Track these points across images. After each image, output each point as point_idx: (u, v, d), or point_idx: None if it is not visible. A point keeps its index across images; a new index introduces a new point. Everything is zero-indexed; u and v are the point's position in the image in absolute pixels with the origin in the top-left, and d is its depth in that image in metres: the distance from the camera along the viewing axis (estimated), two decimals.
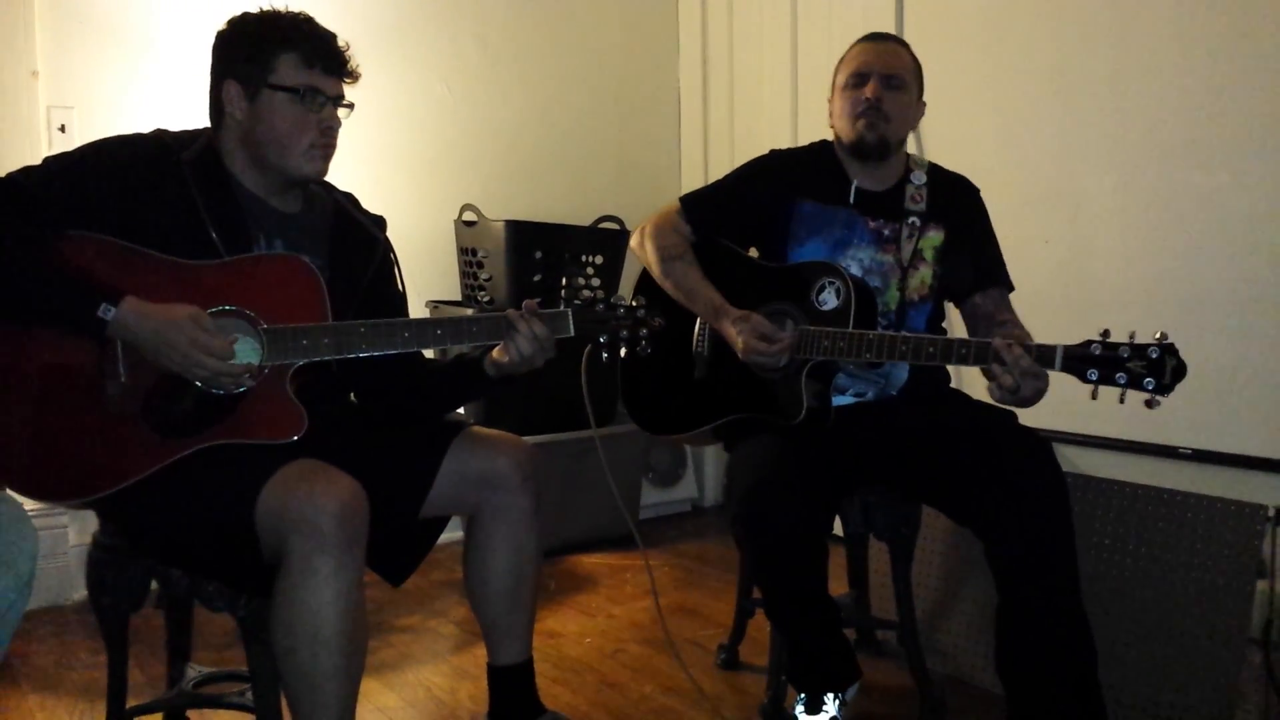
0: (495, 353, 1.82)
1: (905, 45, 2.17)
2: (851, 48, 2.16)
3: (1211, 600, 2.11)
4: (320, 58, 1.73)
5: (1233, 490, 2.27)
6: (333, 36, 1.77)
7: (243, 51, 1.73)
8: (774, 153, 2.26)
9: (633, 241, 2.27)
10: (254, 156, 1.76)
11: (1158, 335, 1.65)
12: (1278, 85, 2.39)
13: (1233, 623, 2.08)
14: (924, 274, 2.12)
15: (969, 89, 3.02)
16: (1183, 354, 1.64)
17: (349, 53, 1.78)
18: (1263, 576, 2.12)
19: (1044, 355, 1.72)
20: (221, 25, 1.77)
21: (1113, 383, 1.66)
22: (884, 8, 3.24)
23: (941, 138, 3.07)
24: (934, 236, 2.13)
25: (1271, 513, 2.10)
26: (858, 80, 2.09)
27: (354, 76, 1.80)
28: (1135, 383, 1.65)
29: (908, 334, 1.93)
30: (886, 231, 2.12)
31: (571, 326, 1.82)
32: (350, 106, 1.81)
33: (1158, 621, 2.17)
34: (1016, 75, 2.93)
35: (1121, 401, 1.67)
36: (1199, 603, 2.12)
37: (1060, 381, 1.74)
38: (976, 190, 2.22)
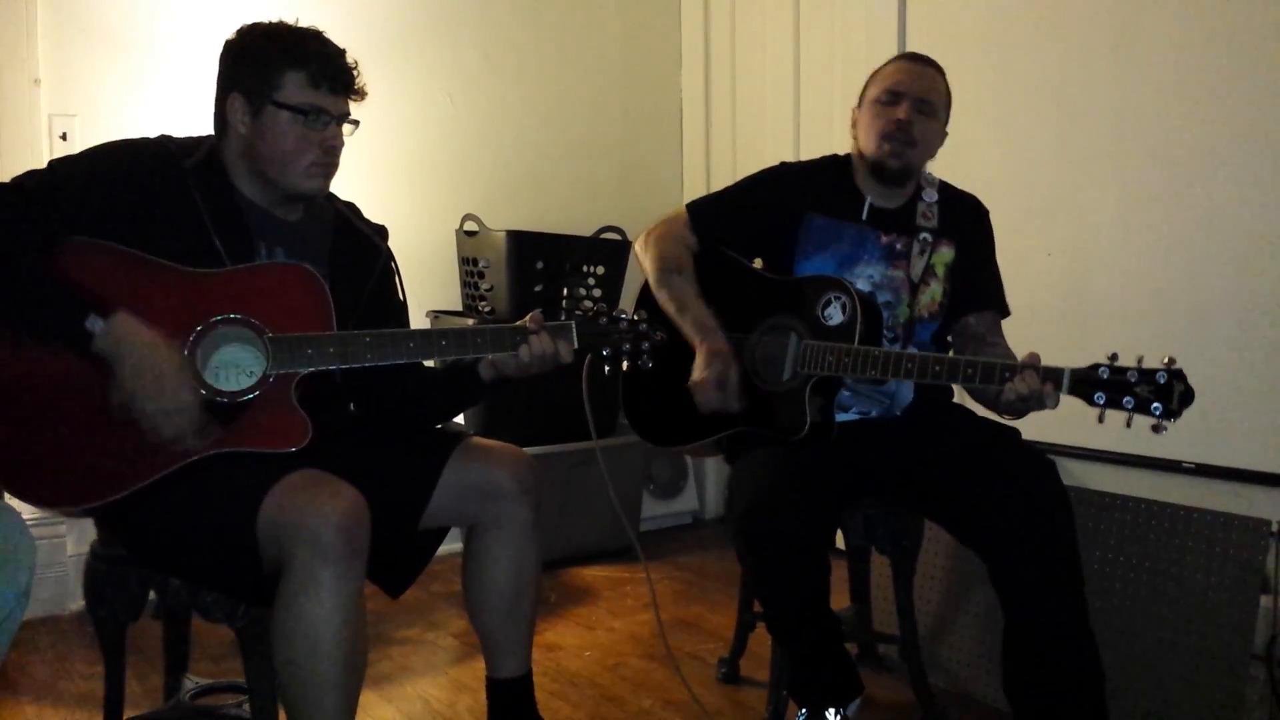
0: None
1: (942, 72, 2.14)
2: (889, 63, 2.14)
3: (1215, 616, 2.10)
4: (327, 77, 1.72)
5: (1236, 505, 2.27)
6: (341, 54, 1.75)
7: (249, 66, 1.71)
8: (784, 165, 2.25)
9: (637, 245, 2.25)
10: (255, 169, 1.75)
11: (1166, 360, 1.64)
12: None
13: (1237, 639, 2.07)
14: (934, 290, 2.12)
15: (971, 102, 3.01)
16: (1186, 368, 1.64)
17: (357, 71, 1.76)
18: (1267, 592, 2.11)
19: (1051, 378, 1.71)
20: (230, 35, 1.76)
21: (1120, 407, 1.65)
22: (886, 21, 3.24)
23: (944, 151, 3.04)
24: (946, 253, 2.13)
25: (1275, 528, 2.10)
26: (891, 98, 2.07)
27: (361, 95, 1.78)
28: (1142, 408, 1.64)
29: (913, 351, 1.92)
30: (899, 246, 2.11)
31: (575, 339, 1.83)
32: (355, 124, 1.80)
33: (1161, 637, 2.16)
34: (1019, 88, 2.93)
35: (1128, 426, 1.67)
36: (1202, 618, 2.12)
37: (1065, 399, 1.73)
38: (987, 212, 2.21)
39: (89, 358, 1.56)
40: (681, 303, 2.10)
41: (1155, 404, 1.63)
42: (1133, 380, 1.65)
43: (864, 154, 2.12)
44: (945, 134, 2.16)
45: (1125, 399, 1.65)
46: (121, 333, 1.54)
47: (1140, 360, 1.66)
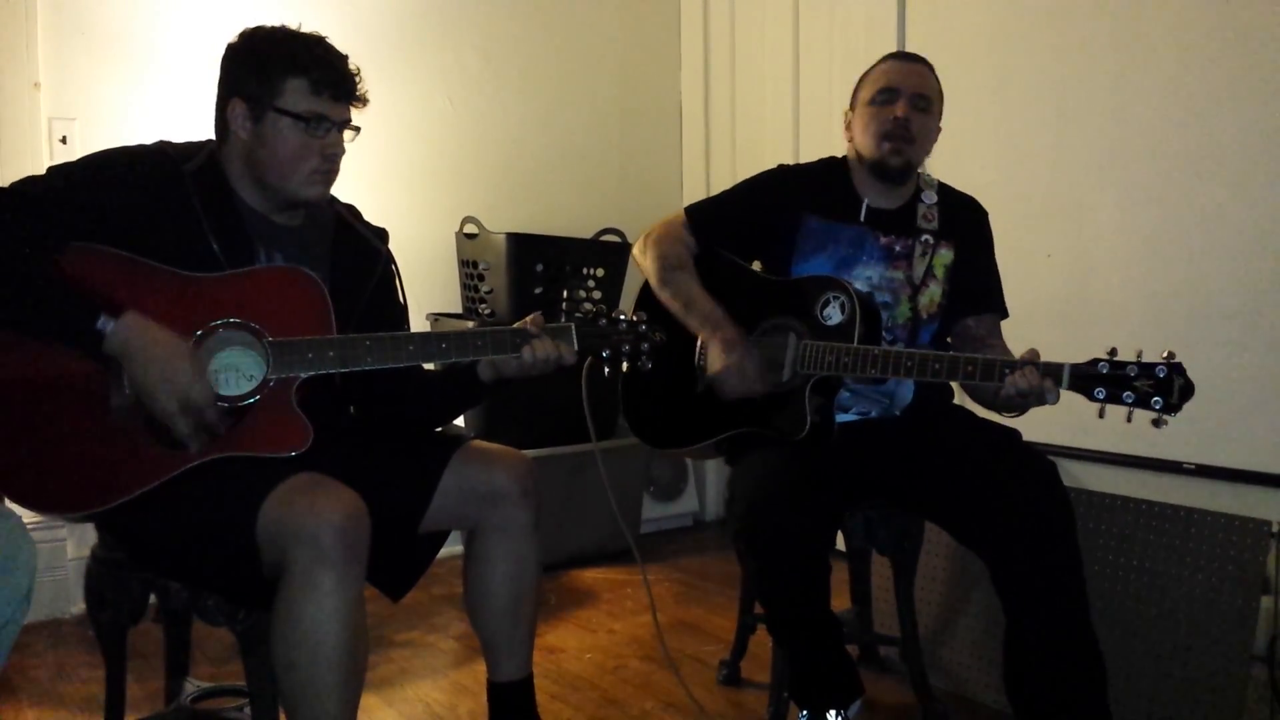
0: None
1: (931, 68, 2.14)
2: (879, 63, 2.13)
3: (1215, 617, 2.10)
4: (329, 84, 1.70)
5: (1237, 505, 2.26)
6: (343, 61, 1.74)
7: (251, 71, 1.70)
8: (782, 167, 2.25)
9: (635, 249, 2.26)
10: (255, 175, 1.75)
11: (1165, 354, 1.65)
12: (1279, 99, 2.39)
13: (1237, 639, 2.07)
14: (934, 291, 2.12)
15: (971, 104, 3.02)
16: (1185, 367, 1.64)
17: (359, 78, 1.76)
18: (1267, 593, 2.11)
19: (1051, 374, 1.71)
20: (233, 38, 1.74)
21: (1120, 402, 1.66)
22: (886, 23, 3.24)
23: (944, 152, 3.03)
24: (945, 254, 2.13)
25: (1276, 528, 2.10)
26: (886, 97, 2.07)
27: (363, 102, 1.78)
28: (1142, 402, 1.64)
29: (912, 350, 1.92)
30: (898, 247, 2.11)
31: (575, 340, 1.83)
32: (356, 130, 1.79)
33: (1161, 638, 2.16)
34: (1018, 90, 2.94)
35: (1129, 420, 1.67)
36: (1203, 619, 2.12)
37: (1064, 397, 1.73)
38: (986, 214, 2.22)
39: (99, 359, 1.56)
40: (687, 299, 2.10)
41: (1155, 398, 1.63)
42: (1132, 375, 1.65)
43: (863, 156, 2.12)
44: (939, 129, 2.16)
45: (1125, 394, 1.65)
46: (132, 332, 1.54)
47: (1139, 355, 1.66)
